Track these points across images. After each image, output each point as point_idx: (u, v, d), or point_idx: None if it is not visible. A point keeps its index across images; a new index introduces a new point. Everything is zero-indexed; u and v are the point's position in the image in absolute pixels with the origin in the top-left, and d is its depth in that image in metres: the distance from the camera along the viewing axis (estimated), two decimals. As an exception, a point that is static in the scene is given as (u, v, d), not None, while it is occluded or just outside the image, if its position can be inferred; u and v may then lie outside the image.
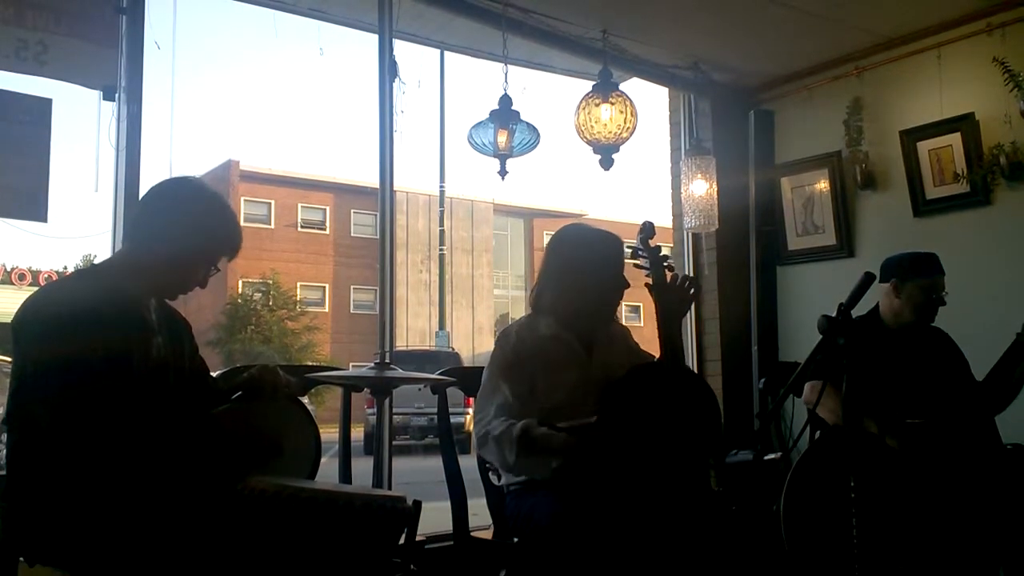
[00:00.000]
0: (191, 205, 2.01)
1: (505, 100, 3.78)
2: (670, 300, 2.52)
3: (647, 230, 2.62)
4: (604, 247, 2.58)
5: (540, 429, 2.33)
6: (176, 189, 2.07)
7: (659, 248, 2.59)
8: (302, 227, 27.80)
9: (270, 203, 27.37)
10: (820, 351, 2.20)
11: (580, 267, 2.54)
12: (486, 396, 2.48)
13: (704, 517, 2.28)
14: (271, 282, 24.25)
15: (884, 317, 3.08)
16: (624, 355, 2.61)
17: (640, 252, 2.59)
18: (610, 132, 3.86)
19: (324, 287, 27.80)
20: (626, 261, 2.57)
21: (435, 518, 2.77)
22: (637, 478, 2.27)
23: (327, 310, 27.42)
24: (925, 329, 3.09)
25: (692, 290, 2.55)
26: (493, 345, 2.65)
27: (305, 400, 2.74)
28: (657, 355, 2.60)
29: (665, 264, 2.57)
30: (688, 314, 4.62)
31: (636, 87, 4.52)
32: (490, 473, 2.72)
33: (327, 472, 2.80)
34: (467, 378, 2.88)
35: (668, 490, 2.28)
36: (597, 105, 3.86)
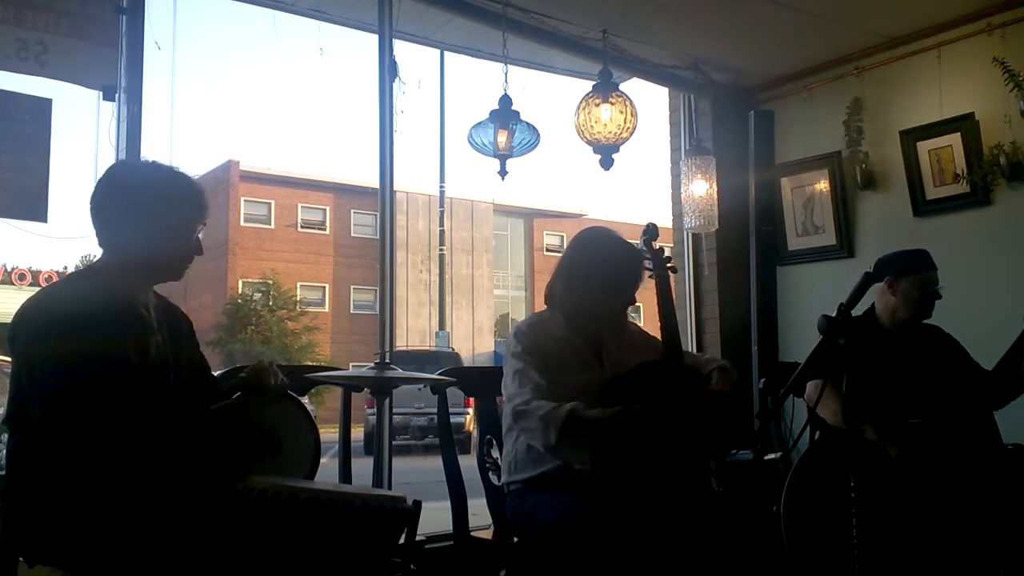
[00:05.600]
0: (146, 187, 1.95)
1: (505, 100, 3.78)
2: (670, 304, 2.54)
3: (650, 232, 2.64)
4: (620, 255, 2.56)
5: (591, 411, 2.28)
6: (123, 180, 1.99)
7: (662, 250, 2.62)
8: (302, 227, 27.81)
9: (270, 203, 27.38)
10: (820, 351, 2.20)
11: (591, 269, 2.53)
12: (518, 377, 2.42)
13: (705, 517, 2.28)
14: (271, 282, 24.28)
15: (880, 317, 3.08)
16: (640, 357, 2.58)
17: (643, 254, 2.60)
18: (610, 132, 3.86)
19: (324, 287, 27.80)
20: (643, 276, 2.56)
21: (435, 518, 2.77)
22: (653, 475, 2.27)
23: (327, 310, 27.42)
24: (921, 327, 3.09)
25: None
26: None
27: (305, 400, 2.73)
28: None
29: (668, 266, 2.60)
30: (689, 314, 4.65)
31: (636, 87, 4.54)
32: (490, 473, 2.72)
33: (327, 472, 2.80)
34: (467, 378, 2.89)
35: (673, 489, 2.28)
36: (597, 105, 3.87)
